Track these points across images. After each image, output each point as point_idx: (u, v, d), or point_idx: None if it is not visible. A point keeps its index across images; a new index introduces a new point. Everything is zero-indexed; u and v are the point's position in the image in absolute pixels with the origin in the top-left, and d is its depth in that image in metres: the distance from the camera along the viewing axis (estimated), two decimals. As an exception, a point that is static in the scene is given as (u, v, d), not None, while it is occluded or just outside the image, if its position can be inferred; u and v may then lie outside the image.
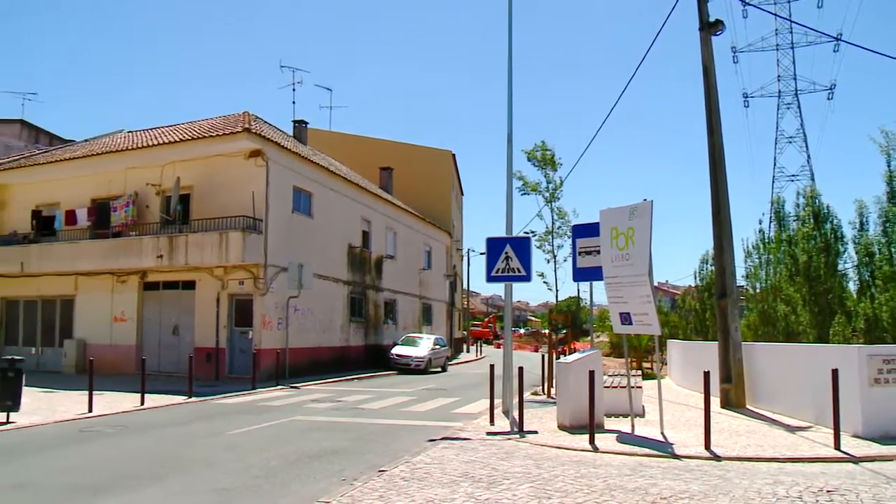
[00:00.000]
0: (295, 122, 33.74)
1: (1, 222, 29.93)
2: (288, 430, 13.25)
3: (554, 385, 17.05)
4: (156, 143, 25.31)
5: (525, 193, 36.98)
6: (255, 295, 23.65)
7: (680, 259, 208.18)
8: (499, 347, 64.62)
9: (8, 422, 13.69)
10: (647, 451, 10.25)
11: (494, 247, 14.19)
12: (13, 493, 8.21)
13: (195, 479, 8.94)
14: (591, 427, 11.04)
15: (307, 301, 25.81)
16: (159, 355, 24.80)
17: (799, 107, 68.75)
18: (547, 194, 36.47)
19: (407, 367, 30.21)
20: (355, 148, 46.01)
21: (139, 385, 17.50)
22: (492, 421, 13.45)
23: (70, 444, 11.77)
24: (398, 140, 50.51)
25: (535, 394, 19.56)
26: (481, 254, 48.69)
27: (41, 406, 16.23)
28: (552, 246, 36.61)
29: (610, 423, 12.82)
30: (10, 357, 14.18)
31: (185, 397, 18.15)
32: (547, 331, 39.23)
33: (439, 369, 32.65)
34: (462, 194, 60.65)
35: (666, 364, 26.65)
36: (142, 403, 16.73)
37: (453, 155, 50.07)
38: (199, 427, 13.69)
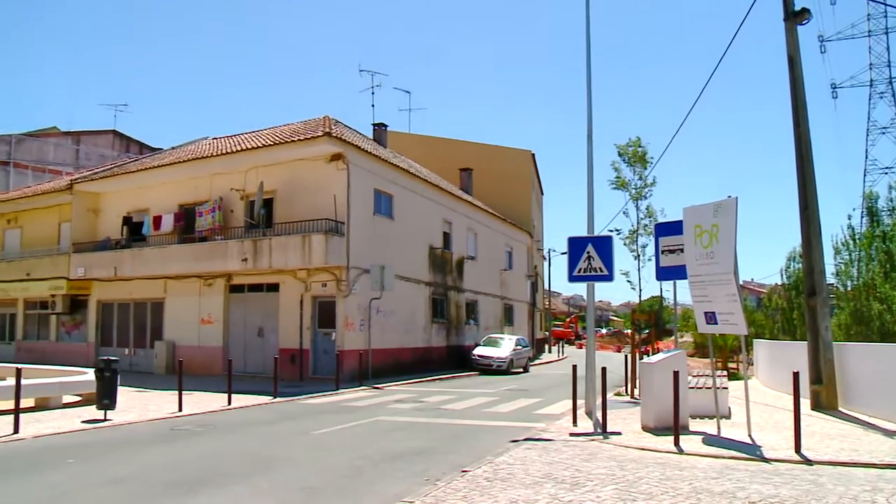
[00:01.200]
0: (375, 125, 33.98)
1: (96, 228, 31.06)
2: (371, 431, 13.28)
3: (637, 386, 16.68)
4: (239, 149, 25.79)
5: (616, 188, 36.43)
6: (338, 297, 23.85)
7: (765, 256, 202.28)
8: (581, 348, 63.98)
9: (105, 419, 14.13)
10: (734, 453, 9.92)
11: (576, 246, 13.92)
12: (113, 486, 8.49)
13: (281, 477, 9.01)
14: (675, 428, 10.71)
15: (389, 302, 25.91)
16: (245, 356, 25.25)
17: (893, 95, 65.64)
18: (634, 192, 35.88)
19: (489, 368, 30.05)
20: (435, 150, 46.14)
21: (226, 385, 17.79)
22: (574, 422, 13.19)
23: (162, 441, 12.07)
24: (477, 141, 50.46)
25: (618, 394, 19.24)
26: (562, 254, 48.19)
27: (135, 405, 16.71)
28: (636, 245, 36.02)
29: (695, 425, 12.50)
30: (106, 358, 14.67)
31: (271, 398, 18.40)
32: (629, 331, 38.60)
33: (521, 370, 32.37)
34: (542, 194, 60.21)
35: (752, 364, 25.83)
36: (229, 403, 17.03)
37: (532, 154, 49.74)
38: (284, 427, 13.84)
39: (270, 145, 24.61)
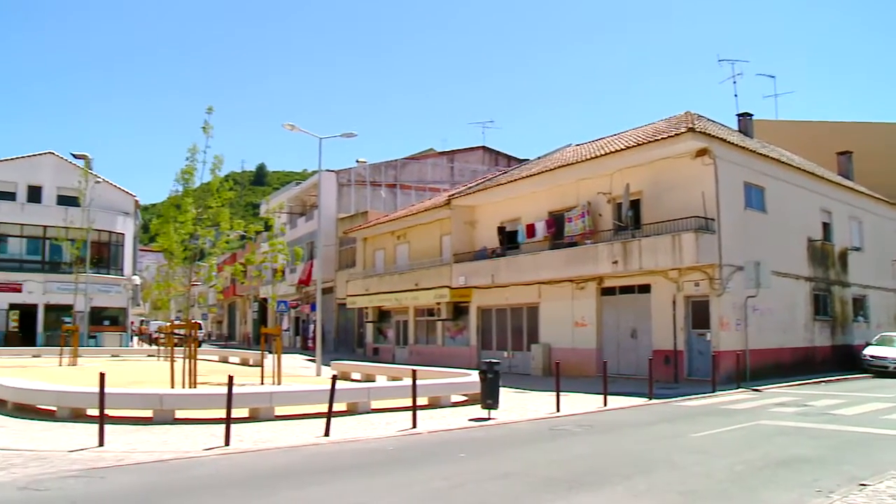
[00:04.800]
0: (739, 115, 32.44)
1: (472, 239, 33.48)
2: (752, 435, 12.74)
3: None
4: (602, 153, 26.18)
5: None
6: (712, 296, 23.13)
7: None
8: None
9: (489, 418, 15.12)
10: None
11: None
12: (500, 480, 9.10)
13: (659, 479, 8.99)
14: None
15: (765, 300, 24.54)
16: (618, 358, 25.46)
17: None
18: None
19: (884, 370, 27.04)
20: (806, 135, 42.75)
21: (600, 387, 18.15)
22: None
23: (542, 440, 12.63)
24: (855, 120, 45.73)
25: None
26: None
27: (515, 405, 17.62)
28: None
29: None
30: (488, 360, 15.71)
31: (646, 399, 18.41)
32: None
33: (927, 373, 28.73)
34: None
35: None
36: (604, 404, 17.32)
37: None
38: (661, 429, 13.78)
39: (634, 146, 24.66)
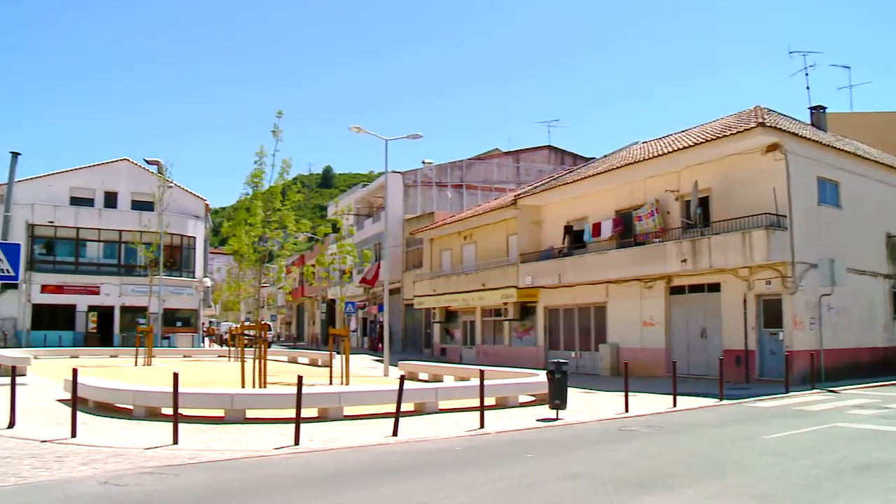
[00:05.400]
0: (811, 108, 31.62)
1: (539, 239, 33.41)
2: (828, 438, 12.41)
3: None
4: (670, 150, 25.84)
5: None
6: (784, 294, 22.61)
7: None
8: None
9: (557, 418, 15.07)
10: None
11: None
12: (569, 481, 9.06)
13: (731, 482, 8.87)
14: None
15: (841, 298, 23.86)
16: (688, 358, 25.11)
17: None
18: None
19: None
20: (884, 126, 41.34)
21: (670, 387, 17.92)
22: None
23: (611, 441, 12.55)
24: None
25: None
26: None
27: (583, 405, 17.53)
28: None
29: None
30: (556, 360, 15.65)
31: (716, 400, 18.10)
32: None
33: None
34: None
35: None
36: (674, 405, 17.09)
37: None
38: (733, 430, 13.55)
39: (702, 143, 24.27)
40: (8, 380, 13.46)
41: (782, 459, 10.29)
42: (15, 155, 43.44)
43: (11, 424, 12.86)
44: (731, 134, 23.25)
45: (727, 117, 27.97)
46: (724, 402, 17.92)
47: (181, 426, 11.85)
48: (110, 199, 49.32)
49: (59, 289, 46.15)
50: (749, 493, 8.21)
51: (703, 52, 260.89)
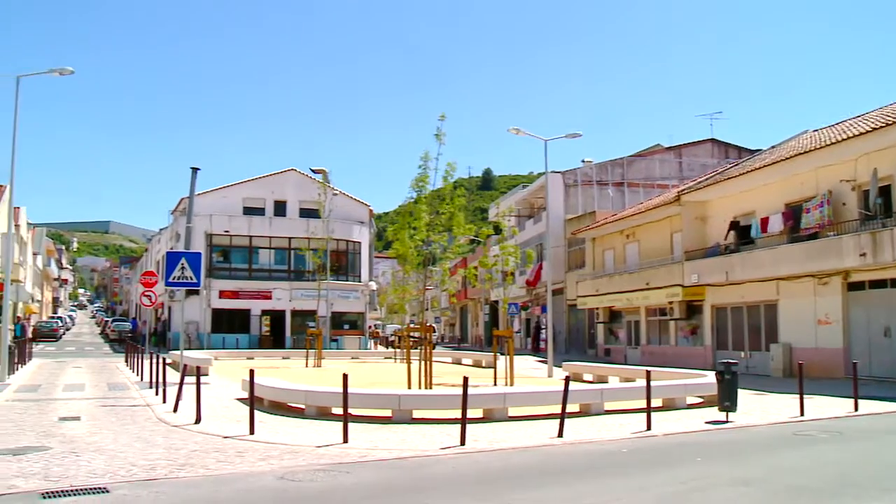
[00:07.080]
0: None
1: (704, 235, 32.41)
2: None
3: None
4: (844, 137, 24.36)
5: None
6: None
7: None
8: None
9: (727, 420, 14.57)
10: None
11: None
12: (739, 487, 8.73)
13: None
14: None
15: None
16: (869, 358, 23.48)
17: None
18: None
19: None
20: None
21: (849, 389, 16.93)
22: None
23: (785, 445, 12.02)
24: None
25: None
26: None
27: (754, 407, 16.82)
28: None
29: None
30: (726, 361, 15.10)
31: (906, 404, 16.93)
32: None
33: None
34: None
35: None
36: (855, 409, 16.07)
37: None
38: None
39: (882, 127, 22.67)
40: (194, 379, 14.55)
41: None
42: (195, 170, 46.79)
43: (198, 420, 13.93)
44: (915, 117, 21.67)
45: (908, 100, 26.06)
46: (919, 406, 16.72)
47: (350, 425, 12.25)
48: (279, 208, 52.40)
49: (234, 294, 49.61)
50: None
51: (878, 34, 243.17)
